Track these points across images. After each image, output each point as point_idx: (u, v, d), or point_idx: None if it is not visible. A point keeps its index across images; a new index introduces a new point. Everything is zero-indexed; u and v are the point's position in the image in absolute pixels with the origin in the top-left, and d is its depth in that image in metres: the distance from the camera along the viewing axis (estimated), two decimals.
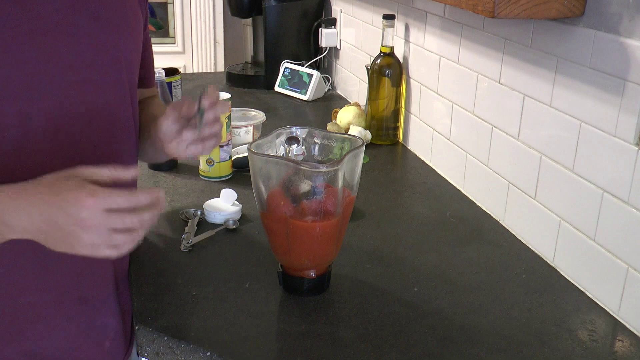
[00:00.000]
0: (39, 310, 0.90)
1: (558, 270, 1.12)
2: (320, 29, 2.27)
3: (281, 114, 2.04)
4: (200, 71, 3.42)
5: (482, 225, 1.29)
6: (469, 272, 1.12)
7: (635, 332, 0.96)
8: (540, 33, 1.13)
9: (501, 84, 1.26)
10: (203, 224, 1.26)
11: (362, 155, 0.99)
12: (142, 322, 0.96)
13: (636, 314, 0.96)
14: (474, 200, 1.39)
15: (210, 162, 1.45)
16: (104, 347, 0.97)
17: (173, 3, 3.37)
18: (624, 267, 0.97)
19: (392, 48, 1.68)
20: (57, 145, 0.87)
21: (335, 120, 1.80)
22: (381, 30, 1.67)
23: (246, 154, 1.13)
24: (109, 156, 0.93)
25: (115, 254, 0.77)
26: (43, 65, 0.84)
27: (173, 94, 1.79)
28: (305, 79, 2.20)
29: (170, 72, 1.80)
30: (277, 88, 2.26)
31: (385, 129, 1.73)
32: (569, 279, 1.10)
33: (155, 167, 1.52)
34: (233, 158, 1.50)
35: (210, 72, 3.26)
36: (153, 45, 1.12)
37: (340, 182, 0.95)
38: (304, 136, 1.06)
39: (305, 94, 2.18)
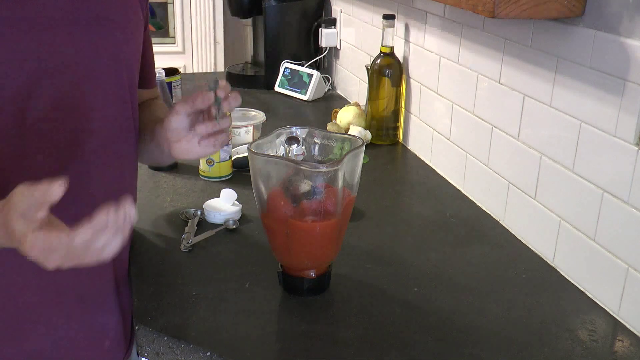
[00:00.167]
0: (39, 310, 0.90)
1: (558, 270, 1.12)
2: (320, 29, 2.27)
3: (281, 114, 2.04)
4: (200, 71, 3.42)
5: (482, 225, 1.29)
6: (469, 272, 1.12)
7: (635, 332, 0.96)
8: (540, 33, 1.13)
9: (501, 84, 1.26)
10: (203, 224, 1.26)
11: (362, 155, 0.99)
12: (142, 322, 0.96)
13: (636, 314, 0.96)
14: (474, 200, 1.39)
15: (210, 162, 1.45)
16: (104, 347, 0.97)
17: (173, 3, 3.37)
18: (624, 267, 0.97)
19: (392, 48, 1.68)
20: (56, 145, 0.86)
21: (335, 120, 1.80)
22: (381, 30, 1.67)
23: (246, 154, 1.13)
24: (108, 156, 0.93)
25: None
26: (42, 64, 0.84)
27: (173, 94, 1.80)
28: (305, 79, 2.20)
29: (170, 72, 1.80)
30: (277, 88, 2.26)
31: (385, 129, 1.73)
32: (569, 279, 1.10)
33: (156, 167, 1.51)
34: (233, 158, 1.50)
35: (210, 72, 3.25)
36: (153, 45, 1.12)
37: (340, 182, 0.95)
38: (304, 136, 1.06)
39: (305, 94, 2.18)
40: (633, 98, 0.93)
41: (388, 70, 1.68)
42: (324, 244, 1.00)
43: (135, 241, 1.18)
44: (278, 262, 1.04)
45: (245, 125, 1.63)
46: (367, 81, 1.75)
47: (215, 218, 1.26)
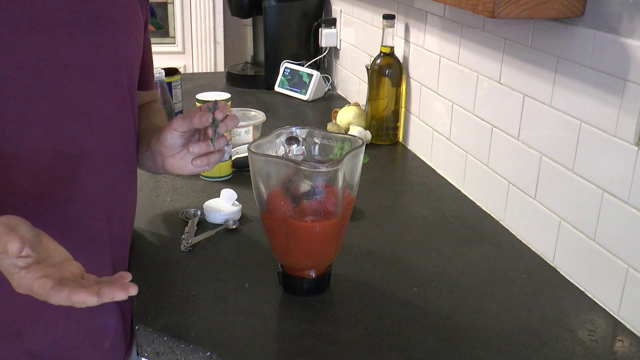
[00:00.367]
0: (39, 310, 0.90)
1: (558, 270, 1.12)
2: (320, 29, 2.27)
3: (281, 114, 2.04)
4: (200, 71, 3.42)
5: (482, 225, 1.29)
6: (469, 272, 1.12)
7: (635, 332, 0.96)
8: (540, 33, 1.13)
9: (501, 84, 1.26)
10: (203, 224, 1.26)
11: (362, 155, 0.99)
12: (142, 322, 0.96)
13: (636, 314, 0.96)
14: (474, 200, 1.39)
15: None
16: (104, 347, 0.97)
17: (173, 3, 3.37)
18: (624, 267, 0.97)
19: (392, 48, 1.68)
20: (56, 145, 0.86)
21: (335, 120, 1.80)
22: (381, 30, 1.67)
23: (246, 154, 1.13)
24: (107, 156, 0.93)
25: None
26: (42, 64, 0.84)
27: (173, 94, 1.80)
28: (305, 79, 2.20)
29: (170, 72, 1.80)
30: (277, 88, 2.26)
31: (385, 129, 1.73)
32: (569, 279, 1.10)
33: None
34: (233, 158, 1.50)
35: (210, 72, 3.26)
36: (153, 45, 1.12)
37: (340, 182, 0.95)
38: (304, 136, 1.06)
39: (305, 94, 2.18)
40: (633, 98, 0.93)
41: (388, 70, 1.68)
42: (324, 244, 1.00)
43: (135, 241, 1.18)
44: (278, 262, 1.04)
45: (245, 125, 1.63)
46: (367, 81, 1.75)
47: (215, 218, 1.26)
